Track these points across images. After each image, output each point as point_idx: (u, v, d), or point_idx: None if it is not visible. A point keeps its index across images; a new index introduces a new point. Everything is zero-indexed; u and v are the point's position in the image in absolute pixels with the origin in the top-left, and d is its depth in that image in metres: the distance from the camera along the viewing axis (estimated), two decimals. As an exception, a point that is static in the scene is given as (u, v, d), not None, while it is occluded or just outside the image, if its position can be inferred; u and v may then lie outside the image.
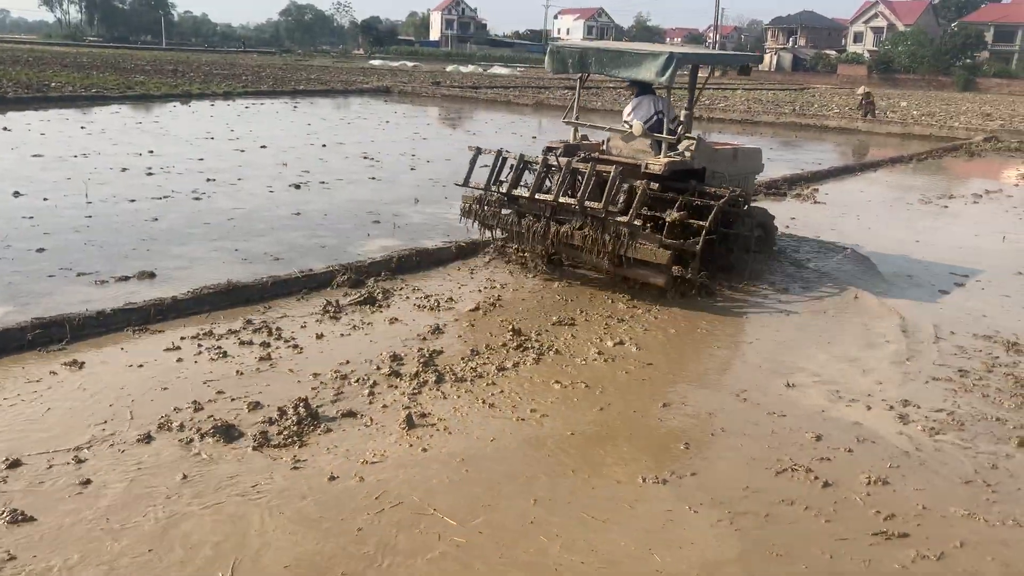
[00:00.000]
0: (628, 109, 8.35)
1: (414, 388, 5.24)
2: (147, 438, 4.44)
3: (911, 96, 50.59)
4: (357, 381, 5.31)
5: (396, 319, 6.53)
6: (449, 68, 63.12)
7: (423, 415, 4.87)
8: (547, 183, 7.93)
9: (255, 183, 12.05)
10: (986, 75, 69.91)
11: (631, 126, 8.01)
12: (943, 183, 16.29)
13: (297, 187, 11.86)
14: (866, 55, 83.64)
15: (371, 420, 4.79)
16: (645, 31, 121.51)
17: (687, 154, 7.56)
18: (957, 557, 3.75)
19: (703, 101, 35.51)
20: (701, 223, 7.12)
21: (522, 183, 7.80)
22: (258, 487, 4.03)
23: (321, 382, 5.28)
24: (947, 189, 15.15)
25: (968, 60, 73.10)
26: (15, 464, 4.08)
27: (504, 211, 7.78)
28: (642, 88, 8.19)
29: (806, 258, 9.18)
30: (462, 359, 5.75)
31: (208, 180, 12.05)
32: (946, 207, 13.21)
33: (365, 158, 15.18)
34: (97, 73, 34.20)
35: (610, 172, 7.01)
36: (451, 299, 7.11)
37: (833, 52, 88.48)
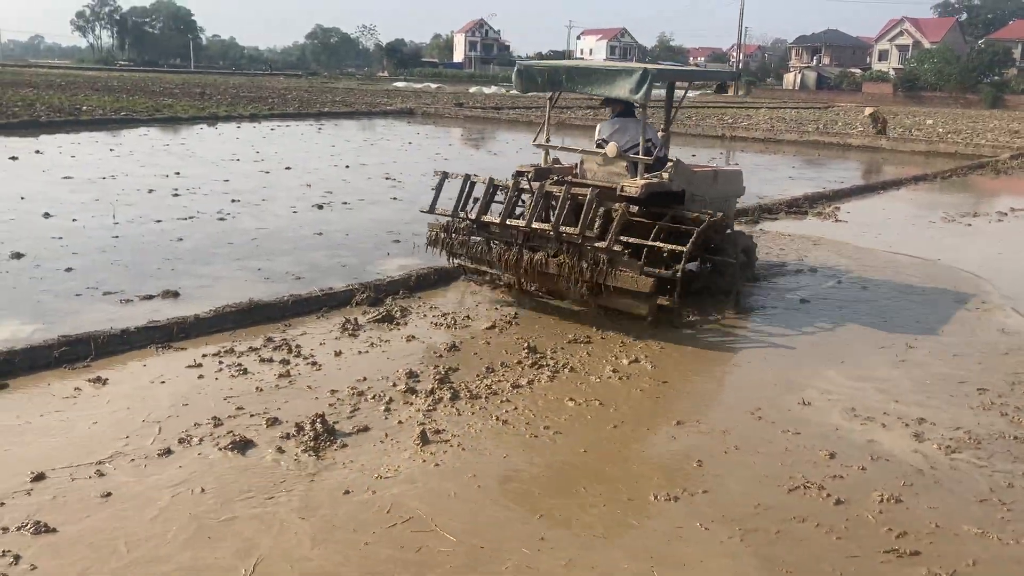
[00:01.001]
0: (604, 130, 7.93)
1: (429, 405, 5.30)
2: (167, 452, 4.53)
3: (937, 114, 50.22)
4: (373, 397, 5.38)
5: (413, 337, 6.61)
6: (472, 89, 63.66)
7: (437, 431, 4.93)
8: (519, 208, 7.59)
9: (279, 204, 12.23)
10: (1015, 92, 69.20)
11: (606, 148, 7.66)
12: (968, 201, 16.17)
13: (320, 207, 12.03)
14: (891, 73, 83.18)
15: (386, 436, 4.86)
16: (668, 51, 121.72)
17: (664, 176, 7.23)
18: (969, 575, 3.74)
19: (725, 120, 35.55)
20: (682, 248, 6.81)
21: (491, 209, 7.50)
22: (274, 500, 4.10)
23: (338, 398, 5.36)
24: (971, 207, 15.03)
25: (996, 77, 72.49)
26: (39, 477, 4.19)
27: (474, 239, 7.46)
28: (625, 109, 7.87)
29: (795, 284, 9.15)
30: (477, 376, 5.81)
31: (233, 201, 12.26)
32: (969, 225, 13.12)
33: (387, 179, 15.36)
34: (127, 96, 34.88)
35: (586, 195, 6.74)
36: (468, 317, 7.17)
37: (858, 70, 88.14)
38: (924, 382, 6.10)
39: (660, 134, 8.03)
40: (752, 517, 4.15)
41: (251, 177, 14.81)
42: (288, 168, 16.03)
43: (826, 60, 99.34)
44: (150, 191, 12.84)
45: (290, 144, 21.33)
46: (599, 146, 7.78)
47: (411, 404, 5.31)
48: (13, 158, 15.99)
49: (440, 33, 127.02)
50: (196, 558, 3.61)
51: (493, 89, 64.49)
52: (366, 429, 4.93)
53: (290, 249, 9.47)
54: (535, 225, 6.91)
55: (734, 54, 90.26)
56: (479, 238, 7.42)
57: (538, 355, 6.24)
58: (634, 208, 7.11)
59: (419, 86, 67.21)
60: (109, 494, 4.08)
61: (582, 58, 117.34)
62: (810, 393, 5.78)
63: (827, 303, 8.14)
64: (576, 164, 8.11)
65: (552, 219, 6.91)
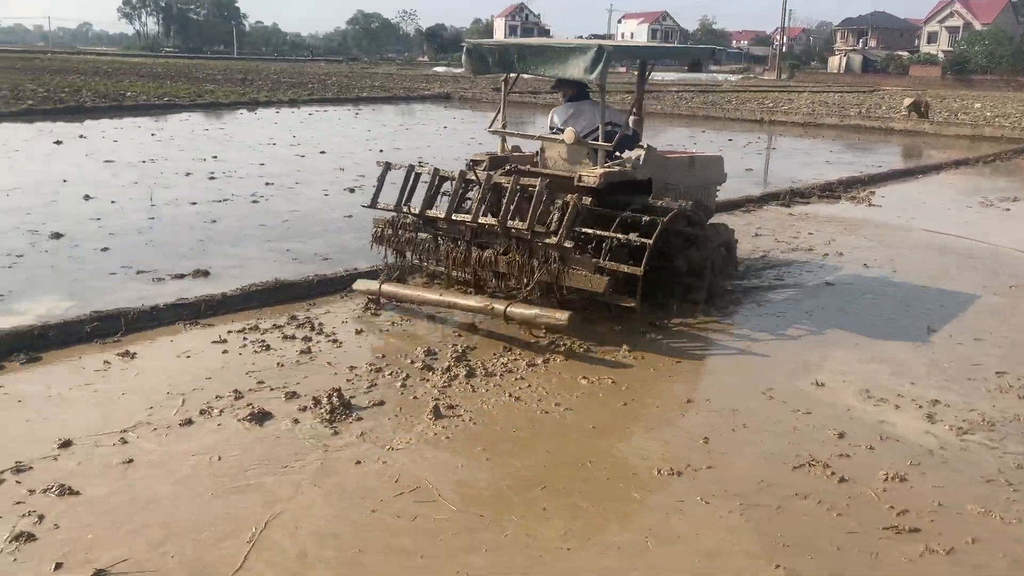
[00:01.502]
0: (558, 117, 7.33)
1: (445, 382, 5.41)
2: (188, 423, 4.71)
3: (986, 97, 49.00)
4: (391, 374, 5.51)
5: (434, 316, 6.73)
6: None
7: (451, 407, 5.04)
8: (469, 201, 7.06)
9: (312, 187, 12.43)
10: (1069, 74, 67.24)
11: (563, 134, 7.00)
12: (1010, 185, 15.85)
13: (352, 191, 12.20)
14: (940, 56, 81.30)
15: (400, 410, 4.99)
16: (710, 34, 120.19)
17: (628, 164, 6.74)
18: (967, 552, 3.75)
19: (765, 103, 35.10)
20: (646, 241, 6.20)
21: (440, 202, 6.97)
22: (289, 468, 4.25)
23: (356, 374, 5.50)
24: (1013, 191, 14.73)
25: (1050, 59, 70.44)
26: (66, 444, 4.39)
27: (421, 235, 6.94)
28: (579, 92, 7.28)
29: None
30: (494, 355, 5.91)
31: (267, 184, 12.49)
32: (1008, 209, 12.87)
33: (420, 163, 15.47)
34: (170, 82, 35.50)
35: (536, 187, 6.23)
36: (489, 298, 7.27)
37: (905, 53, 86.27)
38: (942, 365, 6.06)
39: (633, 117, 7.54)
40: (754, 493, 4.20)
41: (286, 161, 15.06)
42: (323, 152, 16.26)
43: (872, 43, 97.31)
44: (188, 174, 13.14)
45: (327, 129, 21.59)
46: (553, 132, 7.23)
47: (427, 380, 5.43)
48: (58, 142, 16.44)
49: (480, 18, 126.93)
50: (210, 520, 3.77)
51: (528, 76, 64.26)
52: (381, 403, 5.06)
53: (320, 231, 9.64)
54: (482, 220, 6.40)
55: (777, 37, 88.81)
56: (426, 234, 6.91)
57: (556, 335, 6.32)
58: (589, 200, 6.52)
59: (458, 71, 67.20)
60: (131, 461, 4.27)
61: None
62: (824, 374, 5.79)
63: (851, 287, 8.10)
64: (536, 152, 7.51)
65: (501, 213, 6.42)
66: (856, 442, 4.79)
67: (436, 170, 6.86)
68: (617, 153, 6.87)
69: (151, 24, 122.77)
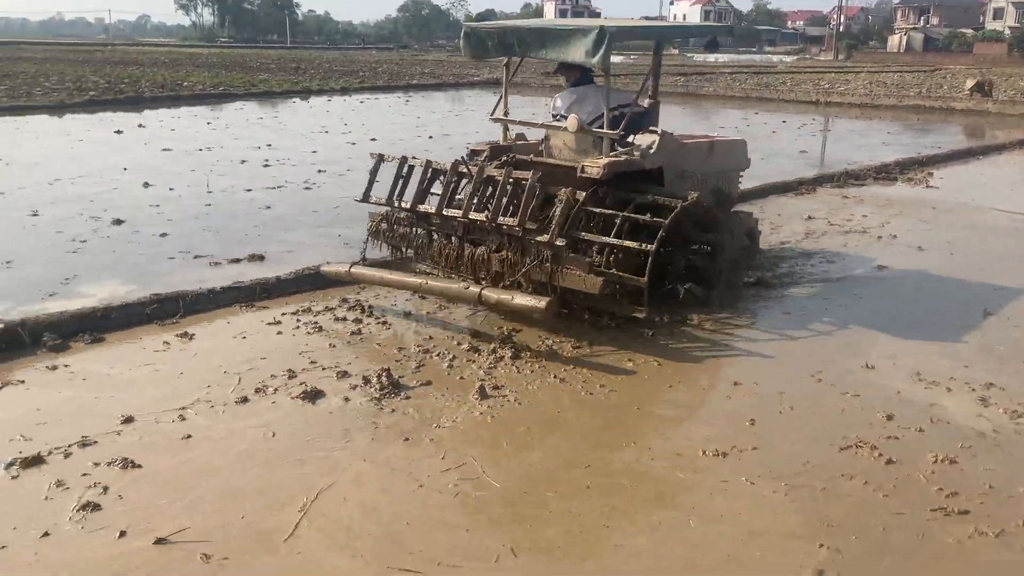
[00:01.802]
0: (561, 103, 6.94)
1: (491, 363, 5.49)
2: (244, 400, 4.87)
3: (1055, 75, 47.22)
4: (438, 355, 5.61)
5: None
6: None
7: (496, 387, 5.12)
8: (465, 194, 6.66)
9: (363, 173, 12.46)
10: None
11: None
12: (1075, 166, 15.32)
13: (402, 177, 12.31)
14: (1007, 32, 78.52)
15: (447, 390, 5.08)
16: (765, 15, 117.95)
17: (637, 152, 6.33)
18: (1017, 535, 3.70)
19: (821, 85, 34.39)
20: (648, 247, 5.75)
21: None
22: (339, 443, 4.38)
23: (405, 355, 5.61)
24: (1078, 172, 14.25)
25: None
26: (129, 420, 4.57)
27: (416, 230, 6.63)
28: (583, 76, 6.94)
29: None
30: (539, 338, 5.97)
31: (319, 171, 12.69)
32: (1073, 190, 12.47)
33: (468, 147, 15.55)
34: (225, 72, 36.13)
35: (528, 180, 5.85)
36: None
37: (969, 31, 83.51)
38: (997, 349, 5.94)
39: (647, 101, 7.13)
40: (799, 474, 4.19)
41: (338, 148, 15.27)
42: (373, 139, 16.42)
43: (934, 20, 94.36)
44: (243, 162, 13.41)
45: (377, 116, 21.80)
46: (556, 119, 6.85)
47: (473, 362, 5.51)
48: (118, 132, 16.91)
49: (530, 2, 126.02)
50: (264, 491, 3.91)
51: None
52: (428, 383, 5.16)
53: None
54: (472, 216, 6.06)
55: (834, 17, 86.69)
56: (421, 230, 6.59)
57: (603, 318, 6.34)
58: (584, 196, 6.07)
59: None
60: (190, 436, 4.43)
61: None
62: (874, 357, 5.72)
63: (905, 269, 7.96)
64: (541, 140, 7.10)
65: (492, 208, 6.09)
66: (905, 424, 4.74)
67: (428, 162, 6.51)
68: (630, 139, 6.53)
69: (207, 15, 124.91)
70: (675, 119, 22.36)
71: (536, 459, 4.30)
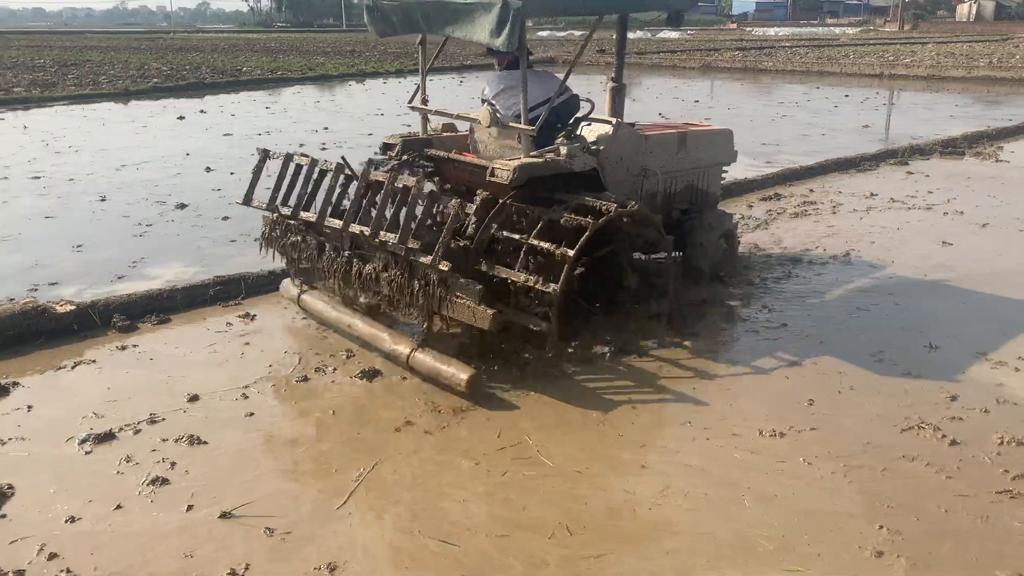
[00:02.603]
0: (490, 89, 5.90)
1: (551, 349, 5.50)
2: (304, 379, 4.99)
3: None
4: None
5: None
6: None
7: (555, 368, 5.14)
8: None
9: (417, 154, 12.67)
10: None
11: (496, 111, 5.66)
12: None
13: (455, 157, 12.38)
14: (1084, -3, 75.03)
15: (509, 369, 5.12)
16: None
17: (563, 150, 5.35)
18: (1087, 519, 3.60)
19: (886, 57, 33.37)
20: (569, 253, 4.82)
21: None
22: (397, 420, 4.45)
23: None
24: None
25: None
26: (194, 399, 4.72)
27: (308, 239, 5.69)
28: (516, 59, 5.58)
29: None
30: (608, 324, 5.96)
31: (376, 153, 12.79)
32: None
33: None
34: (283, 57, 36.59)
35: (415, 186, 4.91)
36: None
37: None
38: (1069, 327, 5.75)
39: (611, 85, 6.36)
40: (858, 455, 4.13)
41: (393, 130, 15.26)
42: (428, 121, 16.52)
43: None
44: (301, 145, 13.60)
45: (431, 97, 21.81)
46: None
47: (526, 352, 5.53)
48: (180, 118, 17.30)
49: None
50: (324, 463, 4.01)
51: (637, 33, 63.08)
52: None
53: (425, 197, 9.84)
54: (353, 227, 5.12)
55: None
56: (312, 239, 5.65)
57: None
58: (472, 207, 5.33)
59: (562, 34, 66.61)
60: (252, 414, 4.56)
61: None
62: (937, 336, 5.59)
63: (970, 246, 7.73)
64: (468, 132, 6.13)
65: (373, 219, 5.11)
66: (970, 405, 4.63)
67: (314, 161, 5.61)
68: (577, 131, 5.76)
69: (264, 1, 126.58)
70: (733, 96, 22.00)
71: (591, 438, 4.31)
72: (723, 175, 7.02)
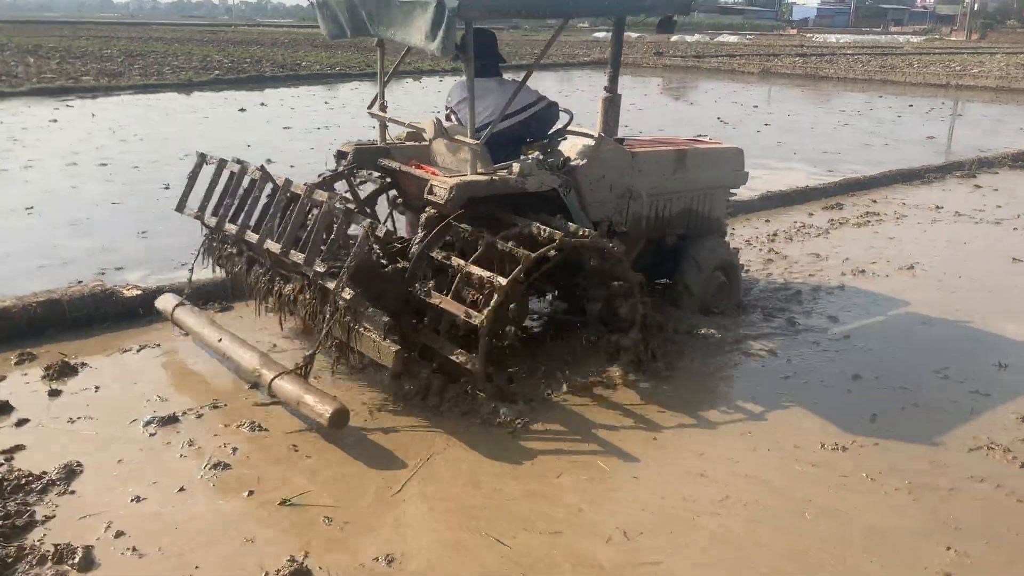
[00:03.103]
0: (454, 96, 5.49)
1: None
2: (363, 368, 5.02)
3: None
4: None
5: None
6: (674, 38, 61.99)
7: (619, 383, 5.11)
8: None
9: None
10: None
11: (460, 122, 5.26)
12: None
13: (511, 156, 12.38)
14: None
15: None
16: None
17: (516, 167, 4.79)
18: None
19: (952, 67, 32.56)
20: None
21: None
22: (451, 414, 4.45)
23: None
24: None
25: None
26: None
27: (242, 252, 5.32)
28: (484, 64, 5.17)
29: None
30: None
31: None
32: None
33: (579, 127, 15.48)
34: (341, 52, 37.01)
35: (327, 202, 4.53)
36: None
37: (1121, 8, 77.34)
38: None
39: (603, 95, 5.84)
40: (924, 473, 4.03)
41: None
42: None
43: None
44: (358, 140, 13.73)
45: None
46: (448, 119, 5.53)
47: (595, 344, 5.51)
48: (242, 110, 17.61)
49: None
50: (380, 456, 4.03)
51: (696, 37, 62.60)
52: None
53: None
54: (268, 244, 4.75)
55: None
56: (243, 253, 5.29)
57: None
58: (379, 232, 4.60)
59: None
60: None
61: (794, 4, 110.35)
62: (1008, 355, 5.43)
63: (1044, 263, 7.50)
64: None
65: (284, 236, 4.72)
66: (1042, 428, 4.49)
67: (242, 167, 5.22)
68: (552, 147, 5.24)
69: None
70: (793, 102, 21.67)
71: (650, 445, 4.27)
72: (729, 199, 6.37)
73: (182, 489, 3.77)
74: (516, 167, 4.78)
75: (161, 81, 22.57)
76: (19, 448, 4.06)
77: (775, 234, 8.36)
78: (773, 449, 4.25)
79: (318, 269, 4.43)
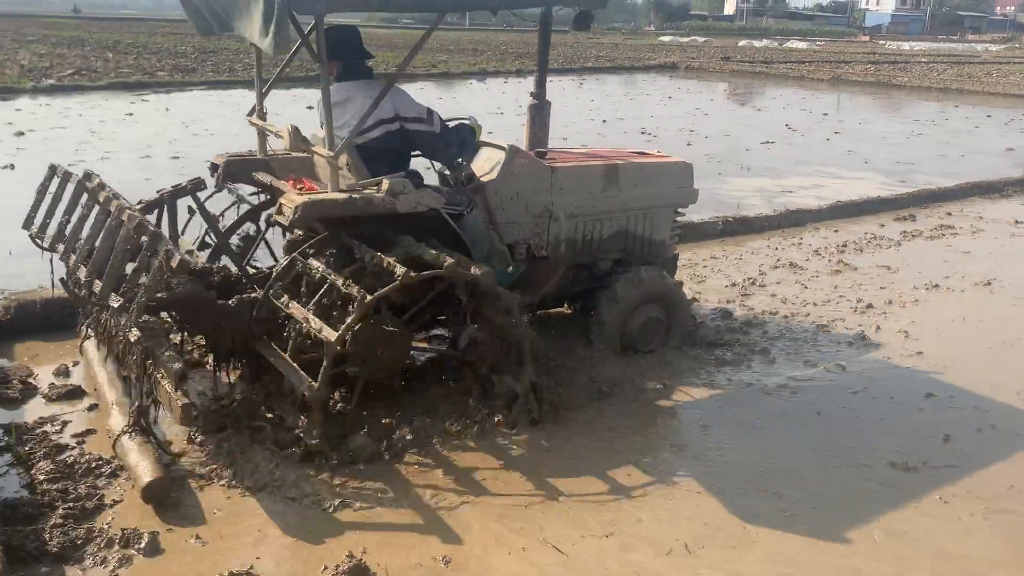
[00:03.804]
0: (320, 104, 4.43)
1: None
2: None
3: None
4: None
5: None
6: (741, 43, 61.13)
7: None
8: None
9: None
10: None
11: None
12: None
13: (575, 159, 12.34)
14: None
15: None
16: (970, 0, 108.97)
17: (385, 184, 4.10)
18: None
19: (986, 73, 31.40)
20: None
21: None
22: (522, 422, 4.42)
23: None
24: None
25: None
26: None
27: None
28: (347, 66, 4.67)
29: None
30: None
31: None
32: None
33: (643, 133, 15.38)
34: (406, 53, 37.41)
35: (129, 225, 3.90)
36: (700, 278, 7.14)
37: None
38: None
39: (530, 102, 5.29)
40: (1002, 498, 3.87)
41: (511, 130, 15.41)
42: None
43: None
44: (422, 140, 13.85)
45: (551, 99, 21.86)
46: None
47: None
48: (309, 107, 17.86)
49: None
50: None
51: (764, 43, 61.58)
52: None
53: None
54: (81, 271, 4.23)
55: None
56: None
57: (782, 314, 6.10)
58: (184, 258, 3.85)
59: (685, 40, 65.66)
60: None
61: (867, 10, 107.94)
62: (1093, 378, 5.19)
63: None
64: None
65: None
66: None
67: (82, 179, 4.57)
68: (461, 160, 4.72)
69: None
70: (864, 110, 21.17)
71: (733, 458, 4.19)
72: (677, 221, 5.61)
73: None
74: (386, 184, 4.12)
75: (233, 77, 23.07)
76: (90, 432, 4.17)
77: (844, 245, 8.16)
78: (840, 466, 4.13)
79: (111, 303, 3.87)
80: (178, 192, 4.77)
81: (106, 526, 3.42)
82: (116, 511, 3.54)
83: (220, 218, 5.08)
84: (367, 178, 4.31)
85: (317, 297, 3.97)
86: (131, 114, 15.75)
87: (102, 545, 3.30)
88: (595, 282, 5.24)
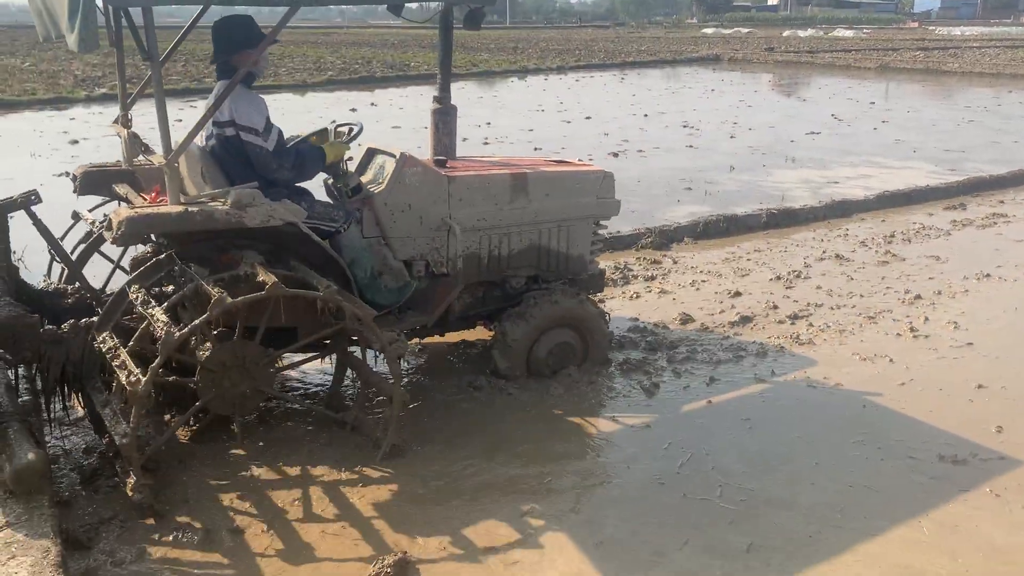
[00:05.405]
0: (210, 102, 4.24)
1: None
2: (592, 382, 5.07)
3: None
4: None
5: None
6: (785, 33, 60.20)
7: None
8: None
9: (576, 152, 12.66)
10: None
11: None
12: None
13: (615, 155, 12.32)
14: None
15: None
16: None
17: (233, 196, 3.70)
18: None
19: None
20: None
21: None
22: (607, 427, 4.46)
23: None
24: None
25: None
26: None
27: None
28: (224, 64, 4.26)
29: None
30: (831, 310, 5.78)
31: (535, 149, 12.93)
32: None
33: (685, 127, 15.28)
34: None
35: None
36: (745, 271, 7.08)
37: None
38: None
39: (433, 106, 5.03)
40: (1054, 491, 3.79)
41: (553, 127, 15.48)
42: (588, 118, 16.52)
43: None
44: (463, 140, 13.87)
45: (592, 94, 21.85)
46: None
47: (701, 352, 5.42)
48: (352, 110, 18.10)
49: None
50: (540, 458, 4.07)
51: (809, 32, 60.54)
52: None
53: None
54: None
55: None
56: None
57: (827, 306, 6.03)
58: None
59: (728, 32, 64.91)
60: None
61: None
62: None
63: None
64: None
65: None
66: None
67: None
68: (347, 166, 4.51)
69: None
70: (913, 98, 20.74)
71: (777, 451, 4.18)
72: (597, 234, 5.20)
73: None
74: (233, 196, 3.71)
75: (277, 82, 23.41)
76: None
77: (892, 235, 8.02)
78: (888, 459, 4.08)
79: None
80: (8, 206, 4.25)
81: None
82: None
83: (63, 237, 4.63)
84: (170, 197, 3.75)
85: (132, 341, 3.55)
86: (180, 120, 16.03)
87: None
88: (507, 301, 4.86)
